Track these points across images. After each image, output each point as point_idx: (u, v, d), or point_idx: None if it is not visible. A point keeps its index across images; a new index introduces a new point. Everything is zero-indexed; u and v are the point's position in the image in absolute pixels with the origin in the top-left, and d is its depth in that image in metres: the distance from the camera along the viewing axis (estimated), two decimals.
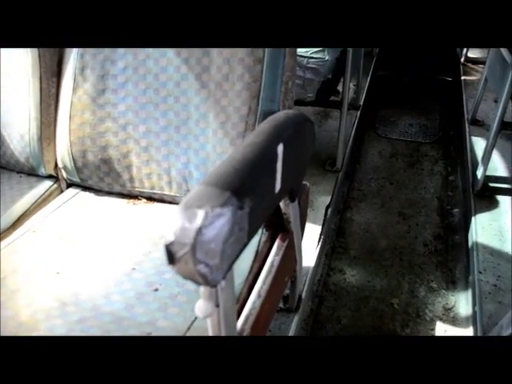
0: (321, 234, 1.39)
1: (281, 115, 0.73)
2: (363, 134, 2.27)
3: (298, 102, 1.52)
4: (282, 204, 0.83)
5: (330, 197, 1.60)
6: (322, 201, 1.58)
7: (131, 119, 0.99)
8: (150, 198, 1.04)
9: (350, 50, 1.44)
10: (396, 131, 2.33)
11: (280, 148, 0.63)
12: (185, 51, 0.93)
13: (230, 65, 0.89)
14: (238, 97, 0.89)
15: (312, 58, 1.32)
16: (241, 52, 0.89)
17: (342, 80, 1.65)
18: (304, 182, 0.93)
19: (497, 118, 1.27)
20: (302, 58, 1.33)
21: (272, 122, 0.69)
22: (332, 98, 1.76)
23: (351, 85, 1.88)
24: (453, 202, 1.81)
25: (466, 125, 1.82)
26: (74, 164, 1.04)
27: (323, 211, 1.54)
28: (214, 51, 0.91)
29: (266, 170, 0.62)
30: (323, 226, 1.44)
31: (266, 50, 0.88)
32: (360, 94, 2.20)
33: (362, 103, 2.17)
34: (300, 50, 1.35)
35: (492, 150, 1.38)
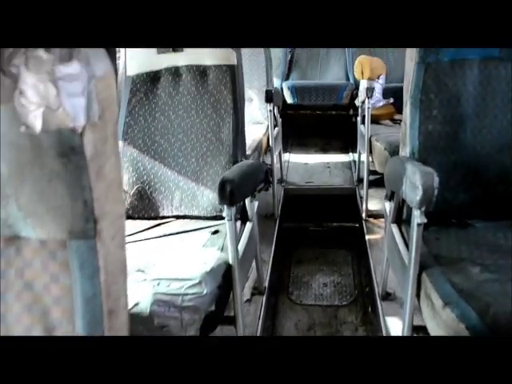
0: None
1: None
2: (276, 300, 2.11)
3: None
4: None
5: None
6: None
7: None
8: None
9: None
10: (311, 294, 2.20)
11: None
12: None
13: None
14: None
15: (187, 294, 1.11)
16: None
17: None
18: None
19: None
20: (175, 297, 1.07)
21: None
22: None
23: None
24: None
25: (378, 300, 1.75)
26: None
27: None
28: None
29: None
30: None
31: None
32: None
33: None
34: (172, 288, 1.10)
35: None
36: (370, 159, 2.33)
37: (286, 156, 3.40)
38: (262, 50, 2.61)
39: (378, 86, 2.57)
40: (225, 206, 1.19)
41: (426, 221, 1.11)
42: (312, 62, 3.77)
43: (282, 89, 3.41)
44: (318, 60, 3.77)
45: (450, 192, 1.46)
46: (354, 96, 3.23)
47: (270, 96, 2.24)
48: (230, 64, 1.64)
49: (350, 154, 3.39)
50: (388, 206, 1.53)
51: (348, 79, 3.60)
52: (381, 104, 2.55)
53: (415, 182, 1.10)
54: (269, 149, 2.42)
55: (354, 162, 3.21)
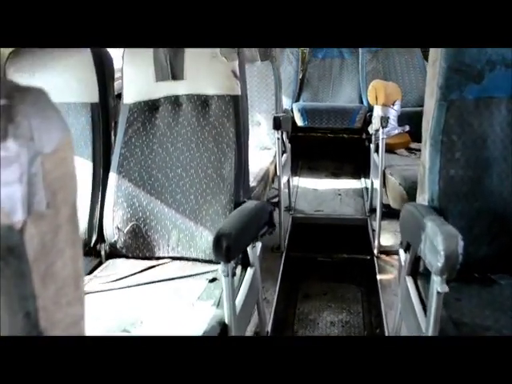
0: None
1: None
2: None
3: None
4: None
5: None
6: None
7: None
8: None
9: None
10: (317, 333, 2.06)
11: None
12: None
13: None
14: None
15: None
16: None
17: None
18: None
19: None
20: None
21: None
22: None
23: None
24: None
25: None
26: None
27: None
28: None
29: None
30: None
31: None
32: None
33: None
34: None
35: None
36: (382, 190, 2.19)
37: (294, 180, 3.27)
38: (271, 71, 2.50)
39: (393, 113, 2.44)
40: (221, 262, 1.07)
41: (447, 290, 0.97)
42: (324, 82, 3.65)
43: (292, 110, 3.30)
44: (331, 80, 3.65)
45: (472, 243, 1.32)
46: (368, 119, 3.09)
47: (278, 123, 2.12)
48: (234, 94, 1.52)
49: (362, 179, 3.25)
50: (403, 256, 1.39)
51: (361, 101, 3.46)
52: (396, 132, 2.42)
53: (436, 246, 0.96)
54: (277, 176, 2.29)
55: (366, 189, 3.07)
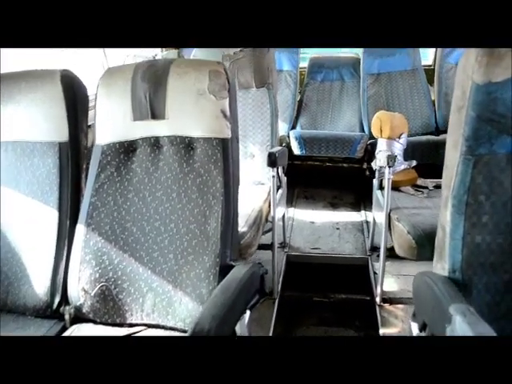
0: None
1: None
2: None
3: None
4: None
5: None
6: None
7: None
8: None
9: None
10: None
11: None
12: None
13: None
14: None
15: None
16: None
17: None
18: None
19: None
20: None
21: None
22: None
23: None
24: None
25: None
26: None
27: None
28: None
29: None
30: None
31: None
32: None
33: None
34: None
35: None
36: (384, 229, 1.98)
37: (290, 211, 3.05)
38: (267, 99, 2.30)
39: (399, 147, 2.24)
40: None
41: None
42: (323, 106, 3.46)
43: (288, 136, 3.10)
44: (330, 104, 3.46)
45: (498, 321, 1.12)
46: (370, 149, 2.90)
47: (273, 160, 1.91)
48: (223, 137, 1.31)
49: (362, 212, 3.05)
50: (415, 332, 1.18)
51: (362, 128, 3.27)
52: (402, 168, 2.22)
53: None
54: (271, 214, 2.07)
55: (367, 222, 2.86)
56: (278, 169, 2.09)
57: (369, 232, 2.66)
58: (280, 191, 2.22)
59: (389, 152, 1.86)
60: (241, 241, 1.70)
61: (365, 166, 3.02)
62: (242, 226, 1.75)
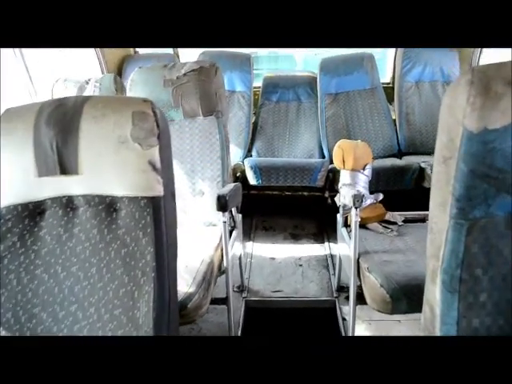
0: None
1: None
2: None
3: None
4: None
5: None
6: None
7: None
8: None
9: None
10: None
11: None
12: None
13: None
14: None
15: None
16: None
17: None
18: None
19: None
20: None
21: None
22: None
23: None
24: None
25: None
26: None
27: None
28: None
29: None
30: None
31: None
32: None
33: None
34: None
35: None
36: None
37: (248, 246, 2.79)
38: (216, 129, 2.03)
39: (364, 179, 2.03)
40: None
41: None
42: (279, 129, 3.23)
43: (244, 163, 2.85)
44: (287, 126, 3.23)
45: None
46: (331, 178, 2.69)
47: (223, 203, 1.63)
48: (153, 196, 1.03)
49: (326, 243, 2.82)
50: None
51: (322, 152, 3.06)
52: (368, 203, 2.00)
53: None
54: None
55: (332, 256, 2.64)
56: (231, 210, 1.82)
57: (334, 269, 2.44)
58: (235, 232, 1.95)
59: (354, 190, 1.64)
60: (188, 304, 1.42)
61: (326, 194, 2.80)
62: (188, 286, 1.48)
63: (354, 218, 1.65)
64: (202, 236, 1.87)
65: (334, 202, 2.16)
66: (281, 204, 3.18)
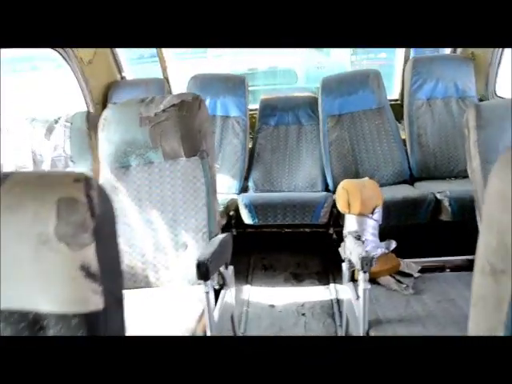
0: None
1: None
2: None
3: None
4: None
5: None
6: None
7: None
8: None
9: None
10: None
11: None
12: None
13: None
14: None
15: None
16: None
17: None
18: None
19: None
20: None
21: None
22: None
23: None
24: None
25: None
26: None
27: None
28: None
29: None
30: None
31: None
32: None
33: None
34: None
35: None
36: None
37: (245, 290, 2.51)
38: (201, 172, 1.76)
39: (373, 225, 1.75)
40: None
41: None
42: (278, 156, 2.96)
43: (239, 194, 2.58)
44: (286, 152, 2.96)
45: None
46: (336, 212, 2.41)
47: (203, 272, 1.37)
48: (88, 312, 0.76)
49: (331, 285, 2.54)
50: None
51: (325, 182, 2.79)
52: (378, 253, 1.72)
53: None
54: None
55: (338, 301, 2.36)
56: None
57: (341, 318, 2.15)
58: (224, 293, 1.68)
59: (363, 252, 1.35)
60: None
61: (331, 230, 2.52)
62: None
63: (363, 284, 1.37)
64: (184, 301, 1.60)
65: (339, 238, 1.89)
66: (281, 241, 2.92)
